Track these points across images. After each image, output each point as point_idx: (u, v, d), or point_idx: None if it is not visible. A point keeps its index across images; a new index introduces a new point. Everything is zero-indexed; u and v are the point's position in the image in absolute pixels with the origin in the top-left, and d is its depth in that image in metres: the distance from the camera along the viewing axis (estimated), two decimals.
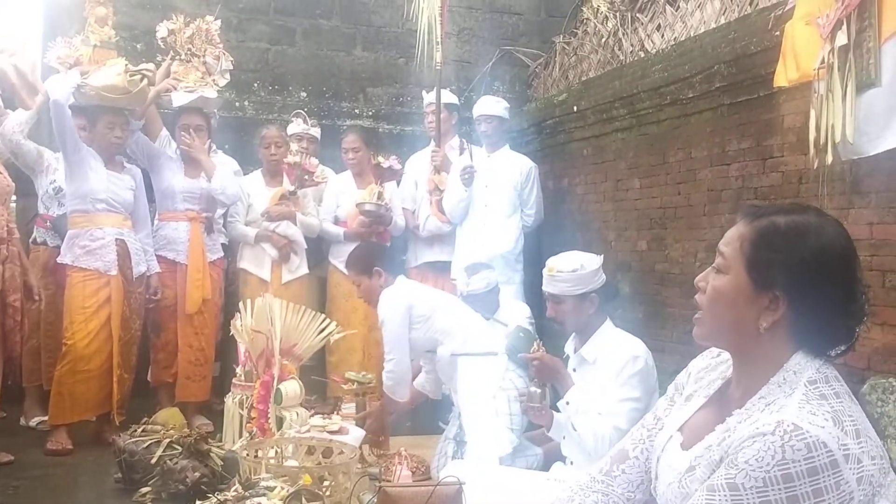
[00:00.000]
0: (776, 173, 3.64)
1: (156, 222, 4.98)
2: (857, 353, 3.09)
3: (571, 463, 3.17)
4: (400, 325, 3.92)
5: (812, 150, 3.06)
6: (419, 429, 4.73)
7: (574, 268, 3.11)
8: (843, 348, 1.43)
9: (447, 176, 5.49)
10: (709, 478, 1.36)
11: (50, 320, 4.73)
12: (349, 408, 4.24)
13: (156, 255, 4.86)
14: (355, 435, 3.87)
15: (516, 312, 4.69)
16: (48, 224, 4.88)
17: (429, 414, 4.83)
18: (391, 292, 4.00)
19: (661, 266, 4.53)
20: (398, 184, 5.69)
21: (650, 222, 4.66)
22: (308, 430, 3.82)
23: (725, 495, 1.29)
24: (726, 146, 4.00)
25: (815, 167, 3.07)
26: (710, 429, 1.46)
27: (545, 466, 3.48)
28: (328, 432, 3.79)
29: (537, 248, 5.50)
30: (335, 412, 4.04)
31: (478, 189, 5.39)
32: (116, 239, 4.55)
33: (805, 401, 1.33)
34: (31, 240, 4.94)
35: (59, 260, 4.54)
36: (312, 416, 3.94)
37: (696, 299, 1.51)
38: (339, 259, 5.51)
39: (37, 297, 4.36)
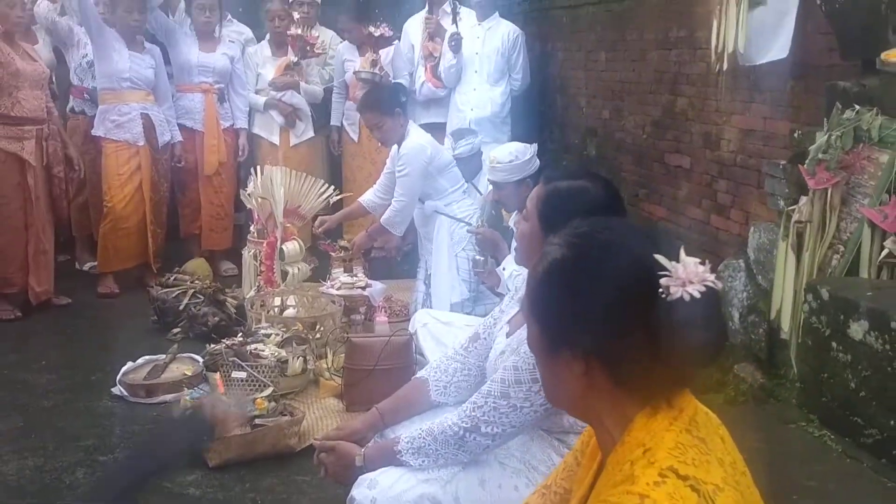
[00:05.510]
0: (703, 63, 4.11)
1: (174, 94, 5.60)
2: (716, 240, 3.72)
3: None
4: (420, 174, 4.50)
5: (713, 56, 3.55)
6: (404, 273, 5.48)
7: (510, 159, 3.67)
8: None
9: (441, 42, 5.93)
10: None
11: (94, 181, 5.44)
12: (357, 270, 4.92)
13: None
14: (378, 288, 4.63)
15: None
16: (85, 95, 5.47)
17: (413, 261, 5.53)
18: (418, 142, 4.51)
19: (619, 135, 5.08)
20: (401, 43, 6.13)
21: (612, 94, 5.16)
22: (339, 288, 4.57)
23: (510, 371, 2.01)
24: (668, 32, 4.43)
25: (715, 71, 3.56)
26: (521, 324, 2.16)
27: None
28: (357, 287, 4.56)
29: (525, 110, 6.00)
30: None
31: (469, 55, 5.85)
32: (141, 113, 5.21)
33: None
34: (68, 108, 5.58)
35: (93, 132, 5.22)
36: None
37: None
38: (347, 122, 6.13)
39: (77, 168, 5.04)
